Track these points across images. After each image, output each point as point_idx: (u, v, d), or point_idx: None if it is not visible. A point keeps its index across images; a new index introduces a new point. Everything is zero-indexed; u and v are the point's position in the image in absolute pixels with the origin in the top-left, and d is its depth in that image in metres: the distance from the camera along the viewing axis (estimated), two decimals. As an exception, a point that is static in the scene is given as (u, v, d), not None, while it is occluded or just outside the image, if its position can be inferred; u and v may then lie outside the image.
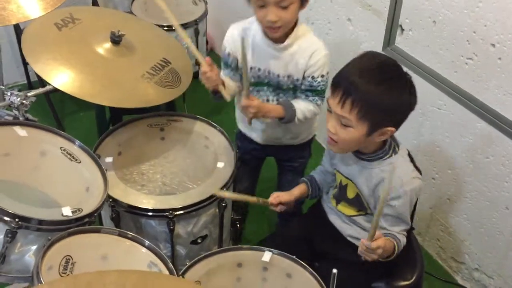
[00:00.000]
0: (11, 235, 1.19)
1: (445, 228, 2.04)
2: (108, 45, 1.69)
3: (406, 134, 1.87)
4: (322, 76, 1.60)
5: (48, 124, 1.50)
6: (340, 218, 1.53)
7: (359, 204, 1.45)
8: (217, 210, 1.66)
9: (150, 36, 1.91)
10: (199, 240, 1.68)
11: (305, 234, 1.61)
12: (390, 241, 1.34)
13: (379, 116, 1.28)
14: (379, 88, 1.25)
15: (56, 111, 2.63)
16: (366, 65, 1.31)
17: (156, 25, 2.12)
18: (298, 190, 1.58)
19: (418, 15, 1.83)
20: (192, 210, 1.58)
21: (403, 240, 1.39)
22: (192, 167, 1.71)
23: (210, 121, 1.85)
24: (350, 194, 1.46)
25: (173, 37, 2.00)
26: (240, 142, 1.86)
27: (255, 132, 1.78)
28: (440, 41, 1.78)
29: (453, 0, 1.68)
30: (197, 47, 2.56)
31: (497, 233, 1.83)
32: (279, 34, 1.55)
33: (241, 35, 1.59)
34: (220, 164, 1.71)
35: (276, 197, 1.54)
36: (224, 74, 1.69)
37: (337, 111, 1.29)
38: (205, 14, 2.59)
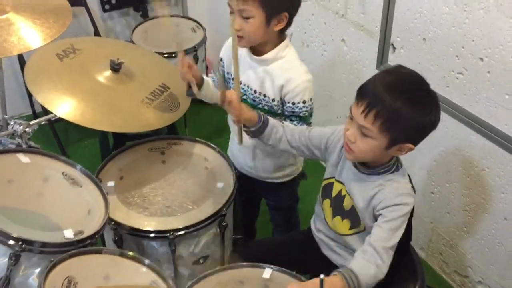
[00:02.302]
0: (15, 258, 1.22)
1: (446, 242, 2.05)
2: (108, 73, 1.75)
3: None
4: (304, 102, 1.57)
5: (52, 151, 1.54)
6: (329, 247, 1.54)
7: (353, 217, 1.45)
8: (218, 230, 1.68)
9: (149, 63, 1.97)
10: (201, 261, 1.70)
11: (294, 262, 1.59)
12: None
13: (402, 132, 1.28)
14: (407, 105, 1.25)
15: (60, 140, 2.69)
16: (395, 80, 1.31)
17: (156, 52, 2.19)
18: (250, 113, 1.45)
19: (408, 33, 1.89)
20: (193, 230, 1.60)
21: (379, 261, 1.28)
22: (193, 189, 1.74)
23: (209, 143, 1.89)
24: (347, 205, 1.46)
25: (173, 63, 2.06)
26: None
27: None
28: (431, 57, 1.83)
29: (441, 17, 1.73)
30: (197, 72, 2.62)
31: (497, 244, 1.84)
32: (243, 45, 1.54)
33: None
34: (219, 184, 1.74)
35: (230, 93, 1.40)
36: (211, 77, 1.73)
37: (360, 121, 1.29)
38: (203, 41, 2.66)
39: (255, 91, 1.63)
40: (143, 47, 2.50)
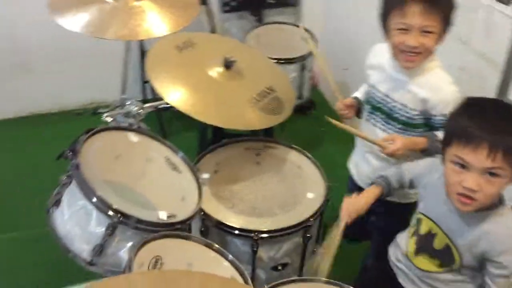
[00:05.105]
0: (112, 229, 1.29)
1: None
2: (220, 69, 1.80)
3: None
4: None
5: (158, 137, 1.62)
6: (411, 280, 1.45)
7: (446, 257, 1.36)
8: (301, 240, 1.67)
9: (259, 65, 2.01)
10: (279, 267, 1.69)
11: None
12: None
13: None
14: None
15: (164, 128, 2.82)
16: (497, 108, 1.27)
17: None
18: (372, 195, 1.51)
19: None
20: (277, 235, 1.60)
21: None
22: (282, 194, 1.75)
23: (305, 151, 1.88)
24: (438, 244, 1.38)
25: (280, 68, 2.08)
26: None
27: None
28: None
29: None
30: (301, 81, 2.63)
31: None
32: (415, 64, 1.53)
33: (376, 52, 1.70)
34: (310, 195, 1.73)
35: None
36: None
37: (486, 164, 1.21)
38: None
39: (394, 101, 1.62)
40: (254, 50, 2.56)
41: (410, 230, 1.49)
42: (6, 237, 2.27)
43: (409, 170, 1.54)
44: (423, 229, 1.42)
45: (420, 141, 1.58)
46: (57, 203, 1.35)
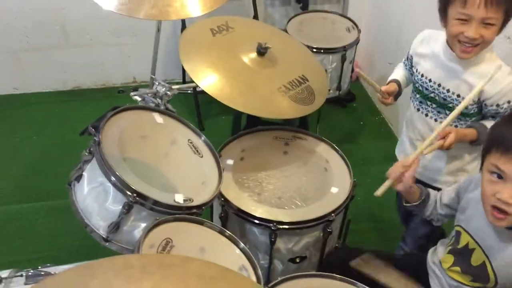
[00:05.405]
0: (128, 208, 1.30)
1: None
2: (253, 55, 1.78)
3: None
4: (509, 102, 1.52)
5: (190, 121, 1.62)
6: (443, 286, 1.39)
7: (481, 275, 1.30)
8: (321, 235, 1.63)
9: (294, 53, 1.96)
10: (297, 260, 1.66)
11: None
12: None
13: None
14: None
15: (200, 110, 2.84)
16: None
17: (306, 45, 2.17)
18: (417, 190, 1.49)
19: None
20: (296, 228, 1.58)
21: None
22: (306, 186, 1.71)
23: (334, 145, 1.84)
24: (475, 261, 1.31)
25: (318, 60, 2.02)
26: None
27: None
28: None
29: None
30: (341, 72, 2.57)
31: None
32: (472, 55, 1.49)
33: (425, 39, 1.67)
34: (334, 190, 1.68)
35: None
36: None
37: None
38: (356, 42, 2.59)
39: (448, 90, 1.59)
40: (295, 38, 2.51)
41: (448, 241, 1.44)
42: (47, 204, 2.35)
43: (448, 191, 1.50)
44: (462, 243, 1.36)
45: (470, 132, 1.57)
46: (78, 178, 1.37)
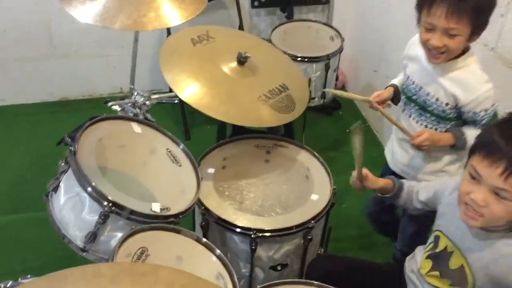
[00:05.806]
0: (104, 218, 1.30)
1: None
2: (233, 64, 1.79)
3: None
4: (486, 110, 1.54)
5: (176, 130, 1.62)
6: None
7: (459, 278, 1.30)
8: (302, 242, 1.64)
9: (275, 62, 1.98)
10: (278, 267, 1.66)
11: None
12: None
13: None
14: None
15: (186, 119, 2.84)
16: None
17: (290, 54, 2.18)
18: (384, 181, 1.55)
19: None
20: (277, 235, 1.58)
21: None
22: (287, 194, 1.72)
23: (315, 152, 1.85)
24: (454, 264, 1.32)
25: (300, 69, 2.03)
26: None
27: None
28: None
29: None
30: (325, 81, 2.58)
31: None
32: (440, 61, 1.54)
33: (414, 42, 1.68)
34: (314, 197, 1.69)
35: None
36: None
37: (496, 183, 1.15)
38: (339, 51, 2.60)
39: (428, 94, 1.62)
40: (279, 47, 2.52)
41: (426, 247, 1.44)
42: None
43: (426, 188, 1.52)
44: (440, 247, 1.37)
45: (446, 137, 1.60)
46: (55, 188, 1.37)
